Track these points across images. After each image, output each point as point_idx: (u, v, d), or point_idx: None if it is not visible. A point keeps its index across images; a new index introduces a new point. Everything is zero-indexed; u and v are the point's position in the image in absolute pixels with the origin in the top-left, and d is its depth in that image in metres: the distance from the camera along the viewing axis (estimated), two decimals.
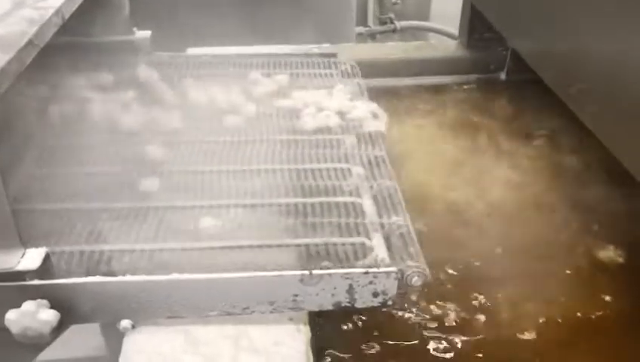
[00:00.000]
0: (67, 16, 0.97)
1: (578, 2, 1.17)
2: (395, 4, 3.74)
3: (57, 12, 0.93)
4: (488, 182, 1.34)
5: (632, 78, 1.02)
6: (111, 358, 2.09)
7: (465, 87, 1.72)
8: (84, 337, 2.01)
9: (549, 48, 1.35)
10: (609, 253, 1.17)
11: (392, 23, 3.74)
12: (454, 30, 3.01)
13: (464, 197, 1.29)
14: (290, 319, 0.96)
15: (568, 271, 1.13)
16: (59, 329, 0.80)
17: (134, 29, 1.45)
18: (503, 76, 1.74)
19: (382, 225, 0.96)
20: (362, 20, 3.76)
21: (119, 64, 1.34)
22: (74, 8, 1.01)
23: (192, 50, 1.63)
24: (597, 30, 1.13)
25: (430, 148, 1.45)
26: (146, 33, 1.45)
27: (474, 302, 1.07)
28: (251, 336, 0.92)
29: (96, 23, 1.35)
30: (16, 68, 0.78)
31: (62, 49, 1.18)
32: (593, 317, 1.05)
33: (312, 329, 0.97)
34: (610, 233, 1.21)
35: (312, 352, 0.94)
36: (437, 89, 1.71)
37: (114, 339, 2.09)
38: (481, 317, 1.04)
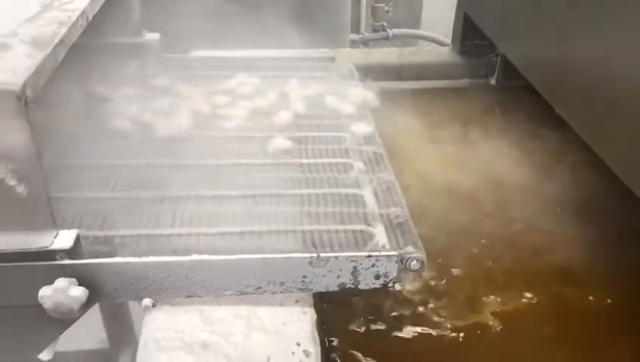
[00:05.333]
0: (90, 17, 1.04)
1: (564, 13, 1.26)
2: (387, 12, 3.83)
3: (82, 14, 1.00)
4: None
5: (613, 81, 1.11)
6: (112, 351, 2.15)
7: (457, 90, 1.81)
8: (88, 331, 2.09)
9: (536, 54, 1.44)
10: None
11: (384, 30, 3.83)
12: (444, 38, 3.09)
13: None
14: (297, 302, 1.03)
15: None
16: (87, 305, 0.87)
17: (144, 31, 1.52)
18: (493, 81, 1.83)
19: (382, 215, 1.04)
20: (355, 28, 3.85)
21: (131, 64, 1.41)
22: (96, 10, 1.08)
23: (197, 53, 1.70)
24: (580, 38, 1.21)
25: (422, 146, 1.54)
26: (154, 35, 1.52)
27: None
28: (261, 317, 0.99)
29: (108, 24, 1.42)
30: (51, 65, 0.85)
31: (78, 49, 1.24)
32: None
33: (317, 312, 1.04)
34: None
35: (318, 332, 1.01)
36: (431, 92, 1.79)
37: (116, 334, 2.16)
38: None
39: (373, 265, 0.92)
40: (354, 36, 3.67)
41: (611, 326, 1.12)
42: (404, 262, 0.94)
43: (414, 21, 4.05)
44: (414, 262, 0.94)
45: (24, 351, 0.96)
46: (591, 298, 1.16)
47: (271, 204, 1.06)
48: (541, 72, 1.41)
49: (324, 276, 0.92)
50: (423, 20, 4.07)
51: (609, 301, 1.16)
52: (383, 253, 0.92)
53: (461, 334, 1.09)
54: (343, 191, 1.09)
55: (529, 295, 1.17)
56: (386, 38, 3.81)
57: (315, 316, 1.02)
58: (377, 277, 0.93)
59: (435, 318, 1.12)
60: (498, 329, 1.10)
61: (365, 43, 3.83)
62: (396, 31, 3.81)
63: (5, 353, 0.98)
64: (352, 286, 0.94)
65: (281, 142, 1.19)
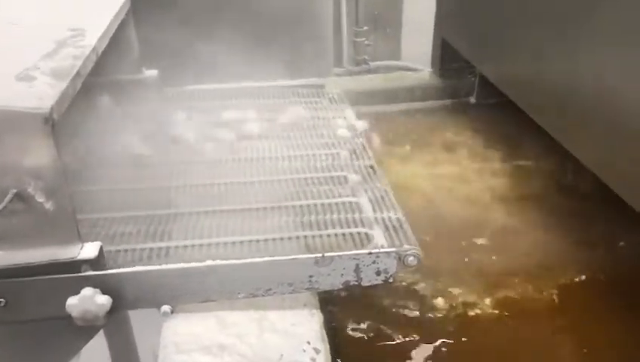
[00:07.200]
0: (100, 52, 1.13)
1: (537, 34, 1.38)
2: (368, 45, 3.98)
3: (94, 49, 1.09)
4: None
5: (584, 90, 1.21)
6: None
7: (440, 110, 1.92)
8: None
9: (513, 72, 1.56)
10: None
11: (366, 63, 3.96)
12: (423, 67, 3.23)
13: None
14: (305, 305, 1.10)
15: None
16: (111, 313, 0.93)
17: (143, 68, 1.61)
18: (472, 100, 1.94)
19: (379, 219, 1.11)
20: (338, 62, 3.98)
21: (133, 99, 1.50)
22: (104, 46, 1.17)
23: (194, 87, 1.79)
24: (552, 55, 1.33)
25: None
26: (153, 72, 1.62)
27: None
28: (271, 319, 1.06)
29: (110, 63, 1.51)
30: (71, 94, 0.93)
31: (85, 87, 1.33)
32: None
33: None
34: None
35: (327, 333, 1.08)
36: (415, 113, 1.90)
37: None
38: None
39: (374, 262, 1.00)
40: (338, 70, 3.79)
41: None
42: (401, 258, 1.02)
43: (395, 53, 4.19)
44: (411, 258, 1.02)
45: None
46: None
47: (275, 216, 1.14)
48: (518, 87, 1.52)
49: (329, 274, 0.99)
50: (403, 52, 4.21)
51: None
52: (382, 250, 1.00)
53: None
54: (341, 200, 1.17)
55: None
56: (369, 71, 3.94)
57: (322, 317, 1.09)
58: (378, 273, 1.01)
59: None
60: None
61: (349, 76, 3.95)
62: (378, 63, 3.95)
63: None
64: (356, 283, 1.01)
65: None
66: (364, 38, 3.94)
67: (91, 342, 1.11)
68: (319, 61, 2.73)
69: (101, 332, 1.98)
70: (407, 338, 1.19)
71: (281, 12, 2.40)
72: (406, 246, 1.03)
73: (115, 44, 1.44)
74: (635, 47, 1.06)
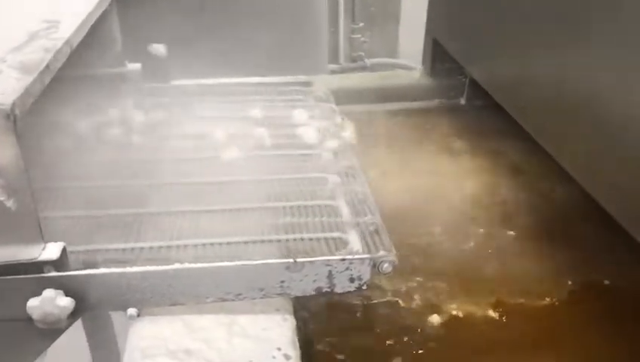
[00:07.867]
0: (75, 45, 1.10)
1: (524, 37, 1.35)
2: (364, 42, 3.95)
3: (67, 42, 1.06)
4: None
5: (570, 95, 1.19)
6: None
7: (429, 111, 1.89)
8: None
9: (500, 74, 1.53)
10: None
11: (362, 60, 3.93)
12: (420, 65, 3.20)
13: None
14: (277, 310, 1.07)
15: None
16: (74, 316, 0.90)
17: (126, 62, 1.58)
18: (462, 101, 1.91)
19: (357, 223, 1.09)
20: (334, 59, 3.95)
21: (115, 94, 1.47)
22: (80, 39, 1.14)
23: (179, 82, 1.76)
24: (538, 59, 1.30)
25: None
26: (136, 66, 1.58)
27: None
28: (242, 324, 1.03)
29: (92, 56, 1.48)
30: (38, 88, 0.90)
31: (63, 80, 1.30)
32: None
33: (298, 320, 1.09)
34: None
35: (299, 339, 1.05)
36: (403, 112, 1.87)
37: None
38: None
39: (347, 268, 0.97)
40: (333, 66, 3.77)
41: None
42: (376, 265, 0.99)
43: (392, 50, 4.17)
44: (386, 264, 0.99)
45: None
46: None
47: (250, 217, 1.11)
48: (505, 89, 1.50)
49: (301, 280, 0.97)
50: (400, 49, 4.18)
51: None
52: (356, 256, 0.97)
53: None
54: (319, 202, 1.15)
55: None
56: (364, 68, 3.92)
57: (295, 322, 1.07)
58: (352, 280, 0.98)
59: None
60: None
61: (344, 72, 3.93)
62: (374, 60, 3.92)
63: None
64: (329, 290, 0.98)
65: None
66: (360, 35, 3.91)
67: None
68: (314, 57, 2.70)
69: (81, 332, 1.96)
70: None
71: (277, 7, 2.37)
72: (381, 253, 1.00)
73: (95, 35, 1.41)
74: (624, 52, 1.03)
